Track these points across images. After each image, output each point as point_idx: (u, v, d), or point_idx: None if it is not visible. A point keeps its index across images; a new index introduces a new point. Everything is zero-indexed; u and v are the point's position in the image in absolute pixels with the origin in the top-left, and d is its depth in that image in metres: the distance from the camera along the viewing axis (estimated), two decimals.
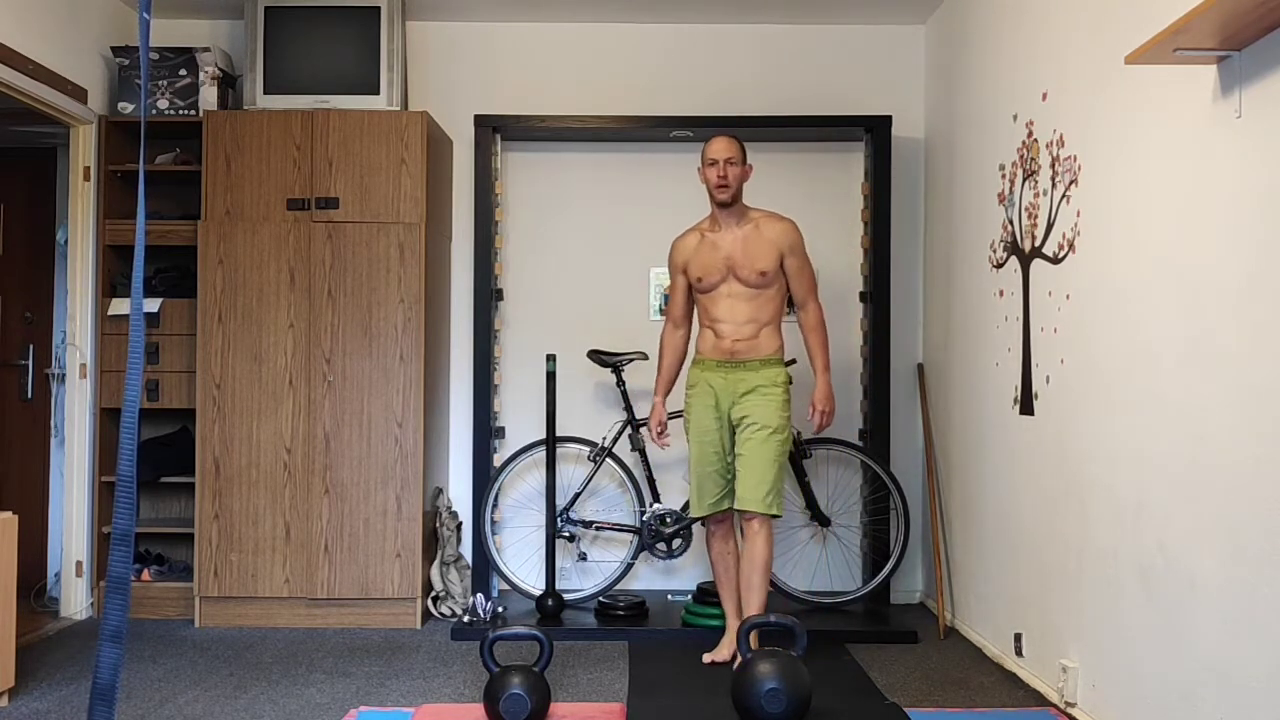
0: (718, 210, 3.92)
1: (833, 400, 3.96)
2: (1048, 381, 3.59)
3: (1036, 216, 3.68)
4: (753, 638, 3.35)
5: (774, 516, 3.81)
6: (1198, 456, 2.65)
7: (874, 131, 4.85)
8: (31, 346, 5.34)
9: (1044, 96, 3.64)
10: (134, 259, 1.99)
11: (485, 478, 4.83)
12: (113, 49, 4.76)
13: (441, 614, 4.69)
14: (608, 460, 4.73)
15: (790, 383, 3.91)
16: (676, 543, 4.62)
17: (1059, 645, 3.48)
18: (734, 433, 3.88)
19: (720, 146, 3.86)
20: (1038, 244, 3.67)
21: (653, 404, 4.09)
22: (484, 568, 4.76)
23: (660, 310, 5.08)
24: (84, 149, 4.67)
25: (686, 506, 4.61)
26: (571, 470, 4.93)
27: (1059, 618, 3.49)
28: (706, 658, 3.94)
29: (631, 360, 4.74)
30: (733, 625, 3.98)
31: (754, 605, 3.79)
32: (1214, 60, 2.57)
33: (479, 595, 4.57)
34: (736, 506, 3.84)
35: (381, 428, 4.52)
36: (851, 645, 4.22)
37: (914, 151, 5.11)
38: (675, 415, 4.36)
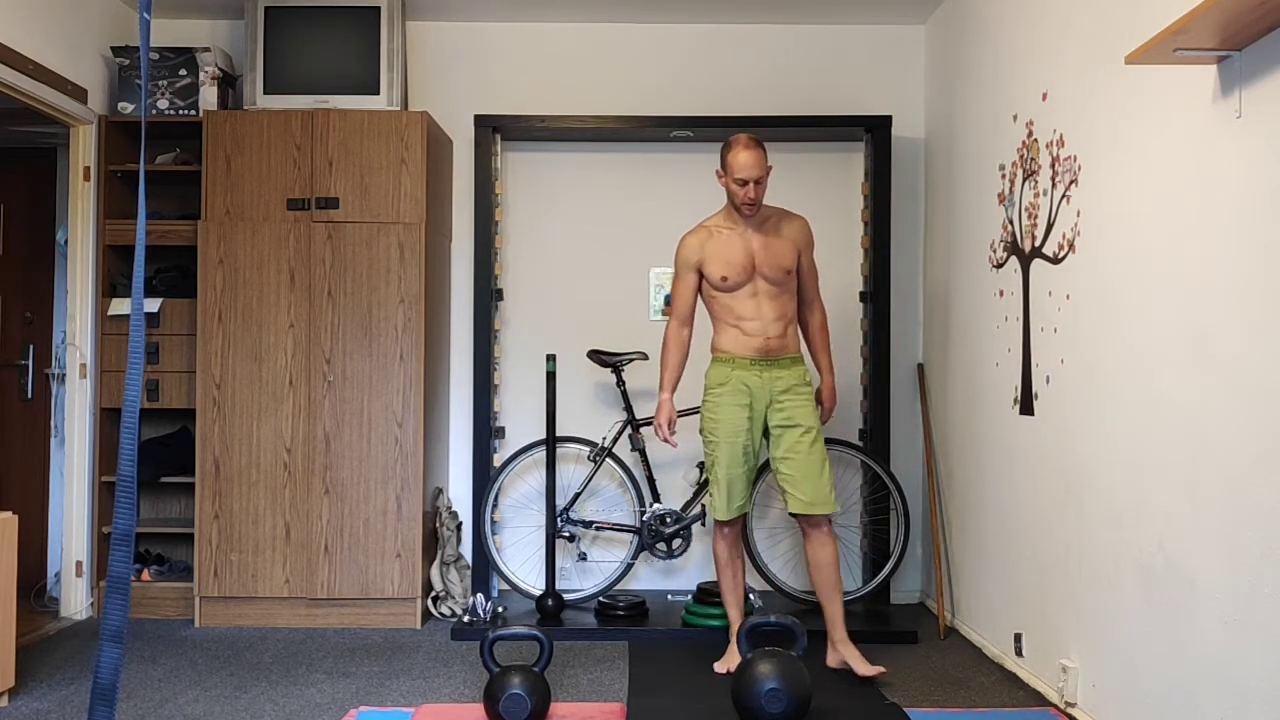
0: (735, 209, 3.87)
1: (836, 398, 4.09)
2: (1048, 381, 3.59)
3: (1036, 216, 3.68)
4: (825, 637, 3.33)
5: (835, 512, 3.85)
6: (1198, 456, 2.65)
7: (874, 131, 4.85)
8: (31, 346, 5.34)
9: (1044, 96, 3.64)
10: (134, 259, 2.00)
11: (485, 478, 4.83)
12: (113, 49, 4.76)
13: (441, 614, 4.69)
14: (608, 460, 4.73)
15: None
16: (676, 543, 4.62)
17: (1059, 645, 3.48)
18: (765, 434, 3.87)
19: (749, 164, 3.74)
20: (1038, 244, 3.67)
21: (660, 401, 3.98)
22: (484, 568, 4.76)
23: (661, 311, 5.08)
24: (84, 149, 4.67)
25: (686, 506, 4.63)
26: (571, 470, 4.93)
27: (1059, 618, 3.49)
28: (719, 667, 3.88)
29: (631, 360, 4.74)
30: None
31: (839, 605, 3.79)
32: (1214, 60, 2.57)
33: (479, 595, 4.57)
34: (803, 512, 3.77)
35: (381, 428, 4.52)
36: None
37: (914, 151, 5.11)
38: (686, 413, 4.35)
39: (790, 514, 3.84)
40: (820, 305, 4.03)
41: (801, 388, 3.85)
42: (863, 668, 3.69)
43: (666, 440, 4.00)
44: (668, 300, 5.05)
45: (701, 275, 3.90)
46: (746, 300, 3.83)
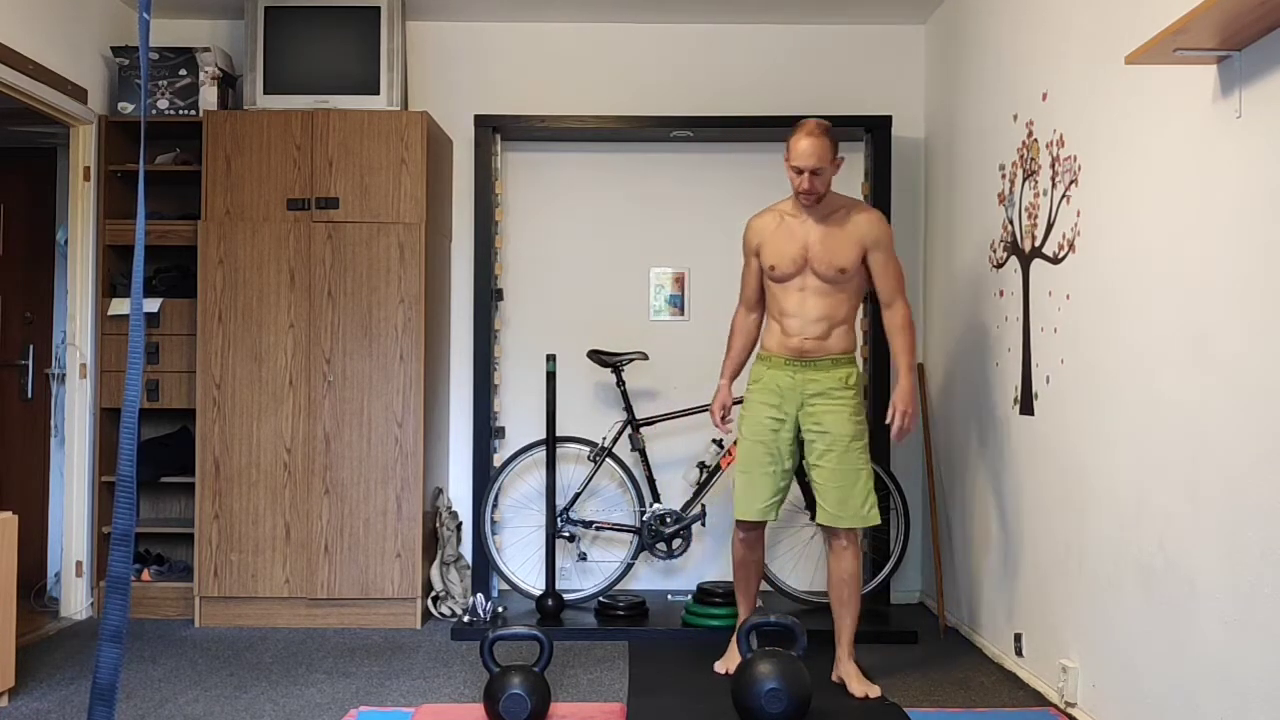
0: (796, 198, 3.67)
1: (916, 401, 3.67)
2: (1048, 381, 3.59)
3: (1036, 216, 3.68)
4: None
5: (874, 525, 3.66)
6: (1198, 456, 2.65)
7: (874, 131, 4.85)
8: (31, 346, 5.34)
9: (1044, 96, 3.64)
10: (134, 259, 2.00)
11: (485, 478, 4.83)
12: (113, 49, 4.76)
13: (441, 614, 4.69)
14: (608, 460, 4.73)
15: (861, 382, 3.75)
16: (676, 543, 4.62)
17: (1059, 645, 3.48)
18: (798, 436, 3.67)
19: (806, 152, 3.50)
20: (1038, 244, 3.67)
21: (718, 386, 3.90)
22: (484, 568, 4.76)
23: (661, 310, 5.09)
24: (84, 149, 4.67)
25: (686, 506, 4.63)
26: (571, 470, 4.93)
27: (1059, 618, 3.49)
28: (718, 667, 3.86)
29: (631, 360, 4.74)
30: None
31: (849, 622, 3.69)
32: (1214, 60, 2.57)
33: (479, 595, 4.57)
34: (825, 523, 3.64)
35: (381, 428, 4.52)
36: None
37: (914, 151, 5.11)
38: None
39: (815, 523, 3.70)
40: (902, 304, 3.69)
41: (839, 391, 3.61)
42: (857, 687, 3.59)
43: (718, 426, 3.92)
44: (671, 301, 5.10)
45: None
46: (793, 294, 3.63)
